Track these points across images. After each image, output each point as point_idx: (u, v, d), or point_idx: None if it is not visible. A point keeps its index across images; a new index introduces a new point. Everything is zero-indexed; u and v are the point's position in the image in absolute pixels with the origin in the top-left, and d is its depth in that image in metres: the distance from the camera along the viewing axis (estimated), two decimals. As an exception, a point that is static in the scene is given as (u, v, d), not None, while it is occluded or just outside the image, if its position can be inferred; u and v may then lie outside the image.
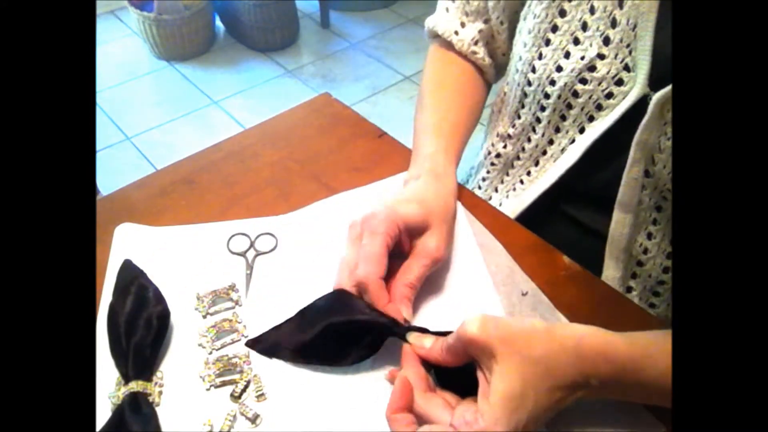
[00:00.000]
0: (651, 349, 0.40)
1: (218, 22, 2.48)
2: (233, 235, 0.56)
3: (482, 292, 0.52)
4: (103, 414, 0.43)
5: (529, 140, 0.64)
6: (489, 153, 0.71)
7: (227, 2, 2.34)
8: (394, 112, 2.10)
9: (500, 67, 0.69)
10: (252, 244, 0.56)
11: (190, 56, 2.34)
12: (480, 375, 0.40)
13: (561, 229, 0.66)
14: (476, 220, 0.59)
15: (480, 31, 0.65)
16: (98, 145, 1.95)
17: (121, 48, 2.43)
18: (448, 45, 0.67)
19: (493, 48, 0.67)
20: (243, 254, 0.55)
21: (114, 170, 1.86)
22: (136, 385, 0.44)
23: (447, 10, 0.67)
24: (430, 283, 0.52)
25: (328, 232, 0.57)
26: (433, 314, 0.50)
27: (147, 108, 2.13)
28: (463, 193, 0.62)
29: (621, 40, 0.52)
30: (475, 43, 0.65)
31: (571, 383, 0.39)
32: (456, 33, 0.65)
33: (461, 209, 0.60)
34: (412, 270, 0.48)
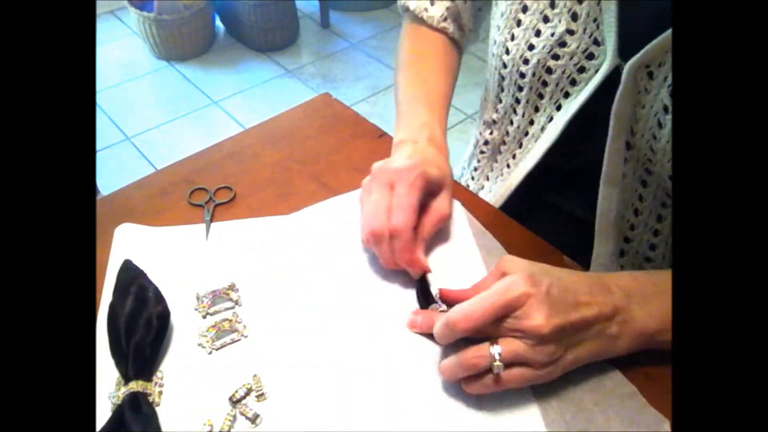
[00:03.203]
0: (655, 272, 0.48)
1: (218, 22, 2.48)
2: (193, 190, 0.62)
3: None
4: (103, 414, 0.43)
5: (511, 123, 0.66)
6: (477, 142, 0.73)
7: (227, 2, 2.34)
8: (393, 112, 2.10)
9: (468, 42, 0.73)
10: (211, 197, 0.62)
11: (190, 56, 2.34)
12: None
13: (545, 218, 0.68)
14: (475, 220, 0.59)
15: (447, 8, 0.69)
16: (98, 145, 1.95)
17: (121, 48, 2.43)
18: (420, 20, 0.71)
19: (461, 24, 0.71)
20: (203, 205, 0.60)
21: (114, 170, 1.86)
22: (136, 385, 0.44)
23: None
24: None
25: (328, 233, 0.58)
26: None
27: (147, 108, 2.13)
28: (461, 192, 0.62)
29: (588, 15, 0.53)
30: (444, 20, 0.69)
31: (593, 288, 0.44)
32: (426, 10, 0.70)
33: (460, 208, 0.60)
34: (425, 228, 0.52)
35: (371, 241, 0.51)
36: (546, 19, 0.55)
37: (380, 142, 0.69)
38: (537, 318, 0.40)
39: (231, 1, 2.30)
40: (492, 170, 0.72)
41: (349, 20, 2.60)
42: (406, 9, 0.72)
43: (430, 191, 0.53)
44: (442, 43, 0.70)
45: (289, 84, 2.26)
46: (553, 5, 0.55)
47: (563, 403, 0.44)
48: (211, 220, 0.59)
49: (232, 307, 0.51)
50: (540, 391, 0.45)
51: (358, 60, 2.38)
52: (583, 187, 0.61)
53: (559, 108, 0.59)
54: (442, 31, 0.70)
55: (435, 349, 0.48)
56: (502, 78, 0.63)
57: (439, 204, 0.54)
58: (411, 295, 0.52)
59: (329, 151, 0.68)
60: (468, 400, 0.45)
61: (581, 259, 0.58)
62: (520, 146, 0.66)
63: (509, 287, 0.41)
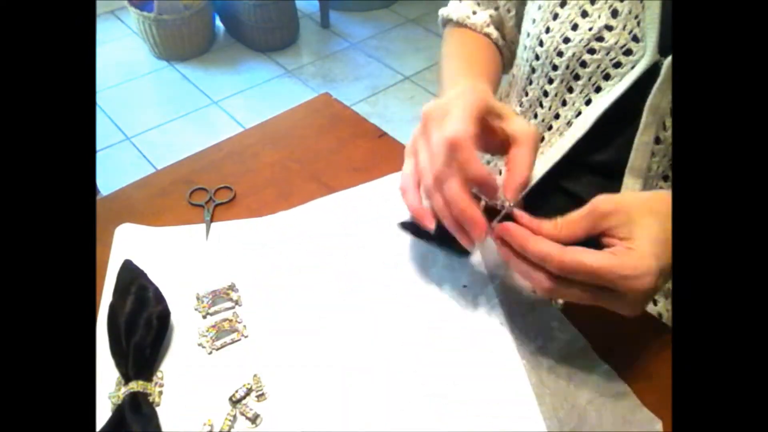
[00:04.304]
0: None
1: (218, 22, 2.48)
2: (193, 190, 0.62)
3: (482, 288, 0.52)
4: (103, 414, 0.43)
5: (535, 116, 0.65)
6: None
7: (227, 2, 2.34)
8: (394, 112, 2.10)
9: (512, 55, 0.72)
10: (211, 197, 0.62)
11: (190, 56, 2.34)
12: (613, 242, 0.42)
13: (560, 205, 0.67)
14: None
15: (491, 16, 0.69)
16: (98, 145, 1.95)
17: (121, 48, 2.43)
18: (464, 26, 0.71)
19: (504, 33, 0.71)
20: (203, 205, 0.60)
21: (114, 170, 1.86)
22: (136, 385, 0.44)
23: (459, 0, 0.71)
24: (429, 283, 0.52)
25: (328, 232, 0.58)
26: (431, 310, 0.51)
27: (147, 108, 2.13)
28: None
29: (629, 12, 0.53)
30: (488, 26, 0.70)
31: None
32: (469, 17, 0.70)
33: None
34: (525, 160, 0.45)
35: (434, 186, 0.44)
36: (585, 14, 0.55)
37: (380, 142, 0.69)
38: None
39: (231, 1, 2.30)
40: None
41: (349, 20, 2.60)
42: (449, 20, 0.72)
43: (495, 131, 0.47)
44: (488, 43, 0.70)
45: (289, 84, 2.26)
46: (593, 1, 0.55)
47: (557, 400, 0.44)
48: (211, 220, 0.59)
49: (232, 307, 0.51)
50: (534, 389, 0.45)
51: (358, 60, 2.38)
52: (604, 177, 0.61)
53: (588, 102, 0.59)
54: (487, 36, 0.70)
55: (435, 349, 0.48)
56: (533, 70, 0.62)
57: (520, 123, 0.46)
58: (411, 294, 0.52)
59: (329, 151, 0.68)
60: (468, 400, 0.45)
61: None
62: (542, 140, 0.65)
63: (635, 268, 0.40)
